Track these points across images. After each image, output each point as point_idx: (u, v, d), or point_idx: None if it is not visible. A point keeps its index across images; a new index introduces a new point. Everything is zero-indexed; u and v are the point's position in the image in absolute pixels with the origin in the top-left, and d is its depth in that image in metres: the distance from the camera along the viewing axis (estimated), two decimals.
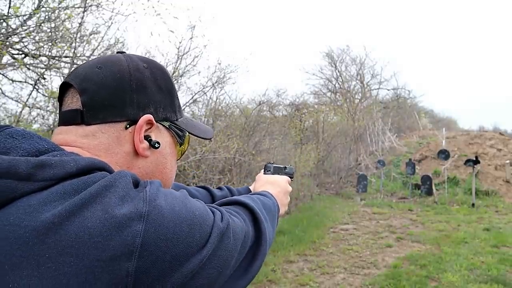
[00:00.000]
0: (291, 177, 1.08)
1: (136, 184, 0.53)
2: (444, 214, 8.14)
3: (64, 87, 0.61)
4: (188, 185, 6.38)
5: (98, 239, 0.45)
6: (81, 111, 0.57)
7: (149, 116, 0.60)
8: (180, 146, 0.68)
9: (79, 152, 0.55)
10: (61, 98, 0.61)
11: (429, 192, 9.83)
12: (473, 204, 8.70)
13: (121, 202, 0.48)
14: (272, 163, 1.04)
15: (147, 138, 0.60)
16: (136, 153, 0.60)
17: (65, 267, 0.43)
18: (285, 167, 1.07)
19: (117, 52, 0.64)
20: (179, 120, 0.67)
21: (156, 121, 0.61)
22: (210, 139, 0.72)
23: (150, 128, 0.61)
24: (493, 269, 4.56)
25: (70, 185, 0.48)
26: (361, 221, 7.55)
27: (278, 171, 1.04)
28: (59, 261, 0.43)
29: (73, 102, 0.58)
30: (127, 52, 0.65)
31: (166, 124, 0.64)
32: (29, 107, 3.50)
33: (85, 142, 0.57)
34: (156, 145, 0.61)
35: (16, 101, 3.73)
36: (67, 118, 0.58)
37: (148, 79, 0.61)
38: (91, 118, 0.57)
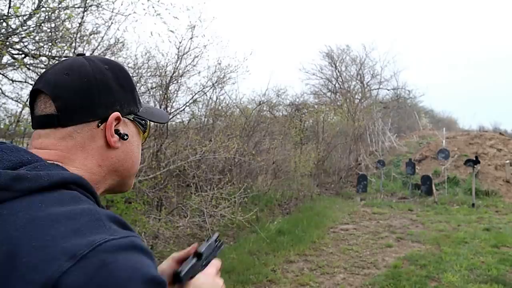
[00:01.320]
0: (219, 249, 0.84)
1: (124, 225, 0.57)
2: (444, 214, 8.15)
3: (35, 93, 0.68)
4: (188, 185, 6.38)
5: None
6: (57, 116, 0.65)
7: (116, 114, 0.68)
8: (144, 133, 0.78)
9: (59, 160, 0.63)
10: (31, 103, 0.69)
11: (429, 192, 9.84)
12: (473, 204, 8.70)
13: (74, 234, 0.50)
14: (180, 270, 0.72)
15: (116, 132, 0.69)
16: (108, 146, 0.69)
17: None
18: (197, 259, 0.77)
19: (77, 55, 0.72)
20: (140, 111, 0.75)
21: (123, 116, 0.70)
22: (165, 123, 0.78)
23: (118, 123, 0.69)
24: (493, 269, 4.56)
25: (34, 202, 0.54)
26: (361, 221, 7.55)
27: (192, 272, 0.75)
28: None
29: (47, 107, 0.66)
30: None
31: (131, 117, 0.73)
32: (29, 107, 3.50)
33: (63, 144, 0.65)
34: (125, 137, 0.70)
35: (16, 101, 3.74)
36: (44, 123, 0.66)
37: (111, 80, 0.69)
38: (67, 120, 0.65)
